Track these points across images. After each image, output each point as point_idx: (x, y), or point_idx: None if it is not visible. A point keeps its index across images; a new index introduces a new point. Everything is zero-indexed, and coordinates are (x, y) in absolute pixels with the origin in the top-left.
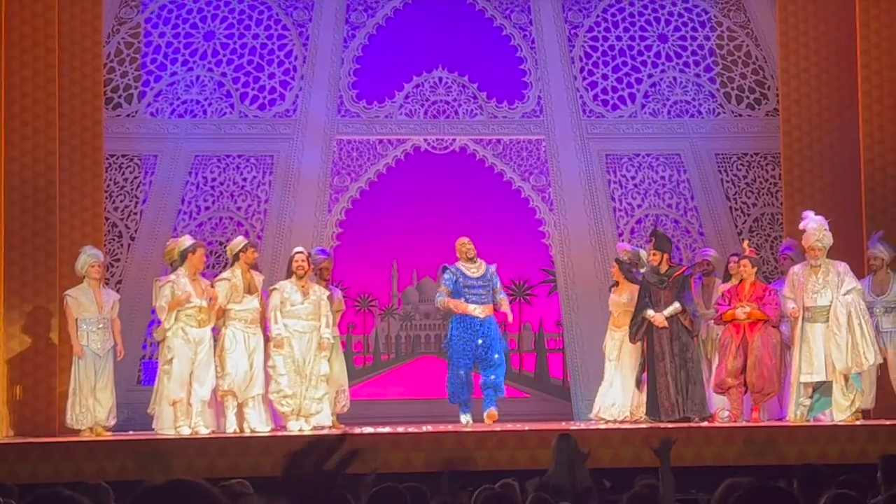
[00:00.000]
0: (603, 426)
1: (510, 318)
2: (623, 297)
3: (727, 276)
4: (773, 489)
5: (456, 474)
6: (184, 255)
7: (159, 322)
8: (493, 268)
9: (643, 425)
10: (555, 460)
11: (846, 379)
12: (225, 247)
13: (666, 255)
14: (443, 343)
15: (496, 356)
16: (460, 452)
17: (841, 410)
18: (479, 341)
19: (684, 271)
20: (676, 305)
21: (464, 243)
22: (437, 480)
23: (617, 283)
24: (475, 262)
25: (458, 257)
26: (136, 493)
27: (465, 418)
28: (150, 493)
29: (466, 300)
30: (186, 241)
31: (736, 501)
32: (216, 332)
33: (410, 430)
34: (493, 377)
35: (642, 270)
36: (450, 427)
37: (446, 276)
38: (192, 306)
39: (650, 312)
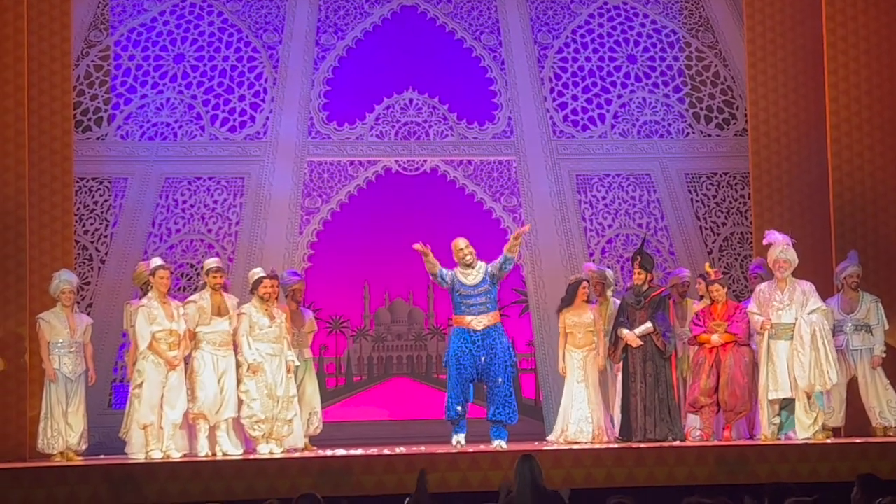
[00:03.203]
0: (576, 447)
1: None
2: (584, 318)
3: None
4: None
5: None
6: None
7: (129, 345)
8: (491, 267)
9: (614, 445)
10: (517, 482)
11: (809, 397)
12: (196, 269)
13: (650, 276)
14: (443, 360)
15: (500, 379)
16: (433, 474)
17: (804, 429)
18: (483, 358)
19: (661, 292)
20: (648, 325)
21: (460, 248)
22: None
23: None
24: (473, 266)
25: (455, 261)
26: None
27: (457, 438)
28: None
29: (462, 312)
30: (153, 263)
31: None
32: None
33: (384, 451)
34: (498, 415)
35: (609, 291)
36: (423, 448)
37: (444, 275)
38: (163, 329)
39: (624, 331)
